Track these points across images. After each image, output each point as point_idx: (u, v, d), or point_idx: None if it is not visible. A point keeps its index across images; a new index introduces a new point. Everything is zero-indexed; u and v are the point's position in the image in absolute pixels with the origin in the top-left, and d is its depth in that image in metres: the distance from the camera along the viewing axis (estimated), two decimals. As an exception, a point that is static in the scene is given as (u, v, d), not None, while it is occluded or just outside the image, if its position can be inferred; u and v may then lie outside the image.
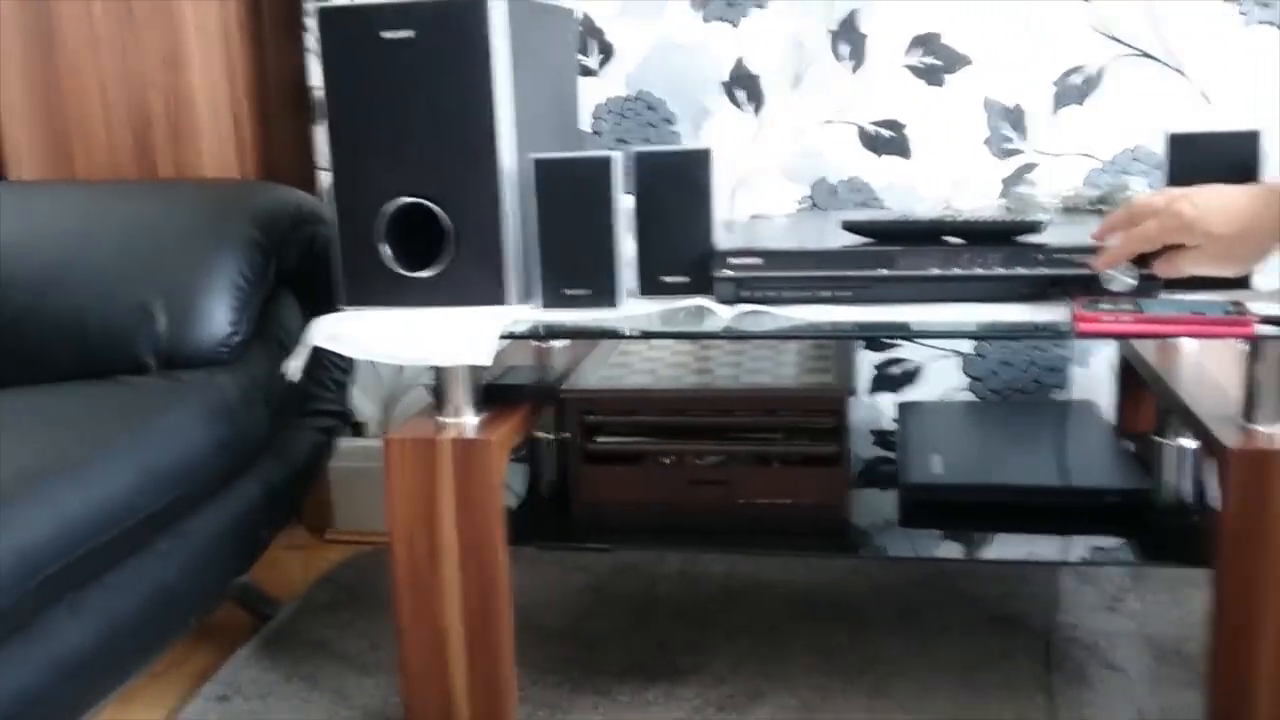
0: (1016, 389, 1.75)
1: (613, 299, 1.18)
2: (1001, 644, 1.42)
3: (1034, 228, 1.15)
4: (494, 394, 1.27)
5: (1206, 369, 1.29)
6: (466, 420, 1.22)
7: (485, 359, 1.13)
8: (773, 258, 1.16)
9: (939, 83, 1.65)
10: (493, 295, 1.21)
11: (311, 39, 1.82)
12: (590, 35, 1.73)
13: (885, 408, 1.78)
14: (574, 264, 1.19)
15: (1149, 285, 1.07)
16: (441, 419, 1.22)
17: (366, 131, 1.20)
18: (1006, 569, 1.61)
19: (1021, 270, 1.11)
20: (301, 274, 1.50)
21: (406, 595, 1.22)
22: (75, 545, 1.01)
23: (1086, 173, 1.64)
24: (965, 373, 1.75)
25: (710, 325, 1.14)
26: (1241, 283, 1.11)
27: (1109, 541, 1.28)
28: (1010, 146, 1.66)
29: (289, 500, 1.45)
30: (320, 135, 1.84)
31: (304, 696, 1.37)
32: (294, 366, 1.20)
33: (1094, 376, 1.71)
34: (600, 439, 1.40)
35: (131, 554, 1.13)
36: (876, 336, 1.68)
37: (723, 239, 1.21)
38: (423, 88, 1.17)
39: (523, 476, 1.53)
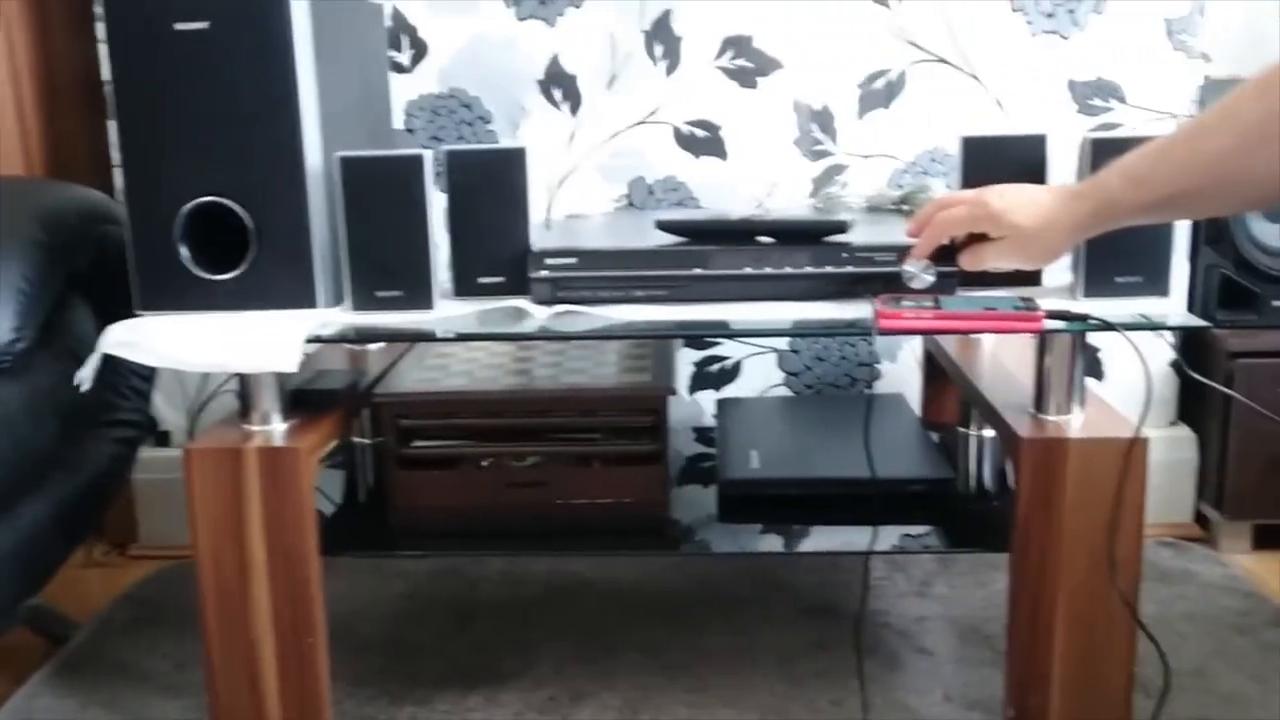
0: (830, 384, 1.80)
1: (427, 300, 1.16)
2: (817, 633, 1.46)
3: (840, 227, 1.19)
4: (303, 399, 1.22)
5: (1002, 362, 1.36)
6: (274, 428, 1.17)
7: (290, 365, 1.09)
8: (588, 257, 1.16)
9: (751, 85, 1.68)
10: (301, 298, 1.16)
11: (103, 29, 1.72)
12: (402, 31, 1.69)
13: (706, 405, 1.80)
14: (385, 265, 1.15)
15: (947, 282, 1.12)
16: (247, 426, 1.18)
17: (161, 128, 1.14)
18: (820, 560, 1.65)
19: (828, 269, 1.14)
20: (94, 277, 1.41)
21: (214, 611, 1.17)
22: None
23: (890, 174, 1.70)
24: (781, 369, 1.79)
25: (526, 326, 1.12)
26: (1033, 279, 1.16)
27: (917, 529, 1.32)
28: (820, 148, 1.70)
29: (84, 516, 1.36)
30: (113, 131, 1.74)
31: (103, 723, 1.30)
32: (86, 375, 1.13)
33: (902, 370, 1.78)
34: (416, 443, 1.37)
35: (-100, 582, 1.04)
36: (689, 335, 1.70)
37: (539, 239, 1.20)
38: (220, 82, 1.12)
39: (339, 483, 1.48)
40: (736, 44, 1.67)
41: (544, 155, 1.69)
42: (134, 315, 1.16)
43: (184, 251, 1.15)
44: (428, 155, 1.14)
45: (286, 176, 1.14)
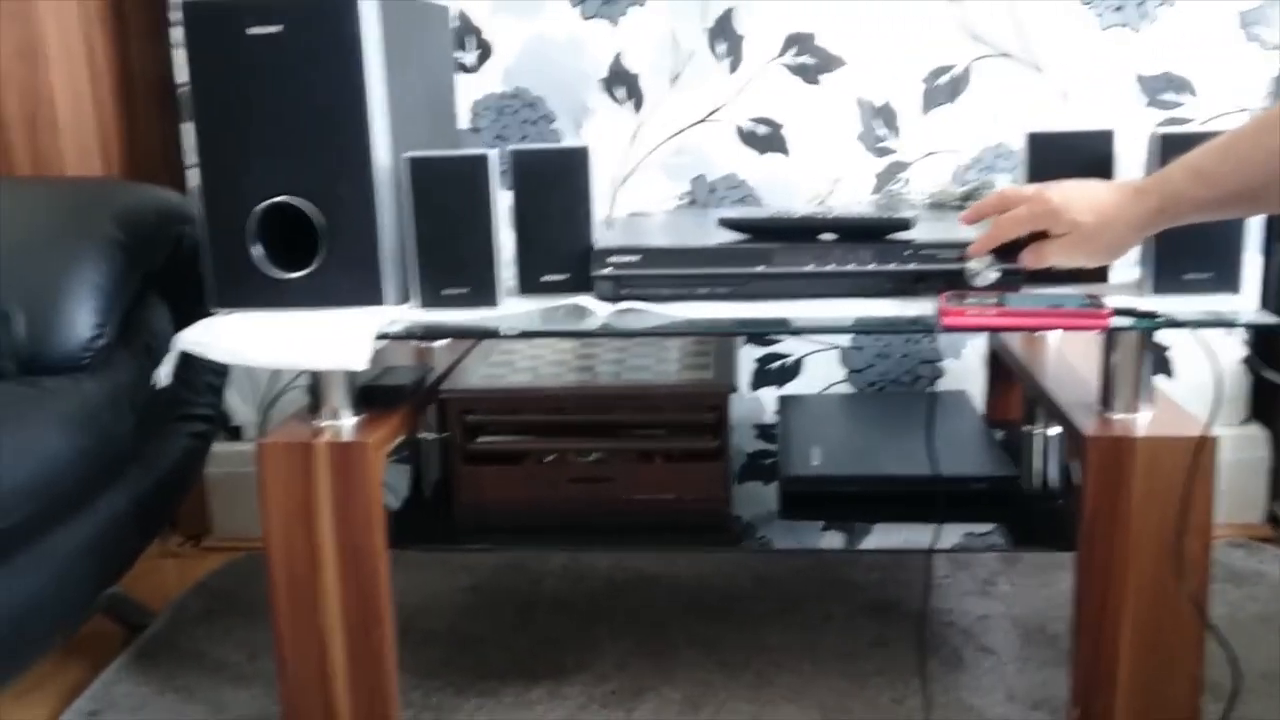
0: (893, 380, 1.79)
1: (492, 298, 1.17)
2: (879, 630, 1.46)
3: (903, 225, 1.18)
4: (371, 395, 1.25)
5: (1068, 359, 1.35)
6: (343, 423, 1.20)
7: (360, 363, 1.11)
8: (651, 255, 1.17)
9: (814, 81, 1.68)
10: (369, 296, 1.19)
11: (177, 34, 1.76)
12: (467, 32, 1.71)
13: (767, 402, 1.80)
14: (452, 263, 1.17)
15: (1012, 279, 1.11)
16: (317, 422, 1.20)
17: (236, 129, 1.17)
18: (882, 557, 1.65)
19: (891, 266, 1.14)
20: (170, 275, 1.45)
21: (285, 602, 1.20)
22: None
23: (953, 170, 1.69)
24: (843, 366, 1.79)
25: (589, 323, 1.14)
26: (1099, 276, 1.15)
27: (980, 528, 1.31)
28: (883, 145, 1.69)
29: (160, 509, 1.40)
30: (188, 132, 1.79)
31: (179, 709, 1.33)
32: (163, 373, 1.17)
33: (966, 367, 1.77)
34: (481, 439, 1.39)
35: (-10, 570, 1.08)
36: (751, 332, 1.70)
37: (602, 237, 1.21)
38: (293, 85, 1.15)
39: (405, 478, 1.51)
40: (799, 41, 1.67)
41: (607, 153, 1.71)
42: (208, 313, 1.19)
43: (257, 250, 1.18)
44: (493, 155, 1.15)
45: (356, 176, 1.16)
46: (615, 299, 1.17)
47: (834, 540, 1.32)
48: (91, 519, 1.23)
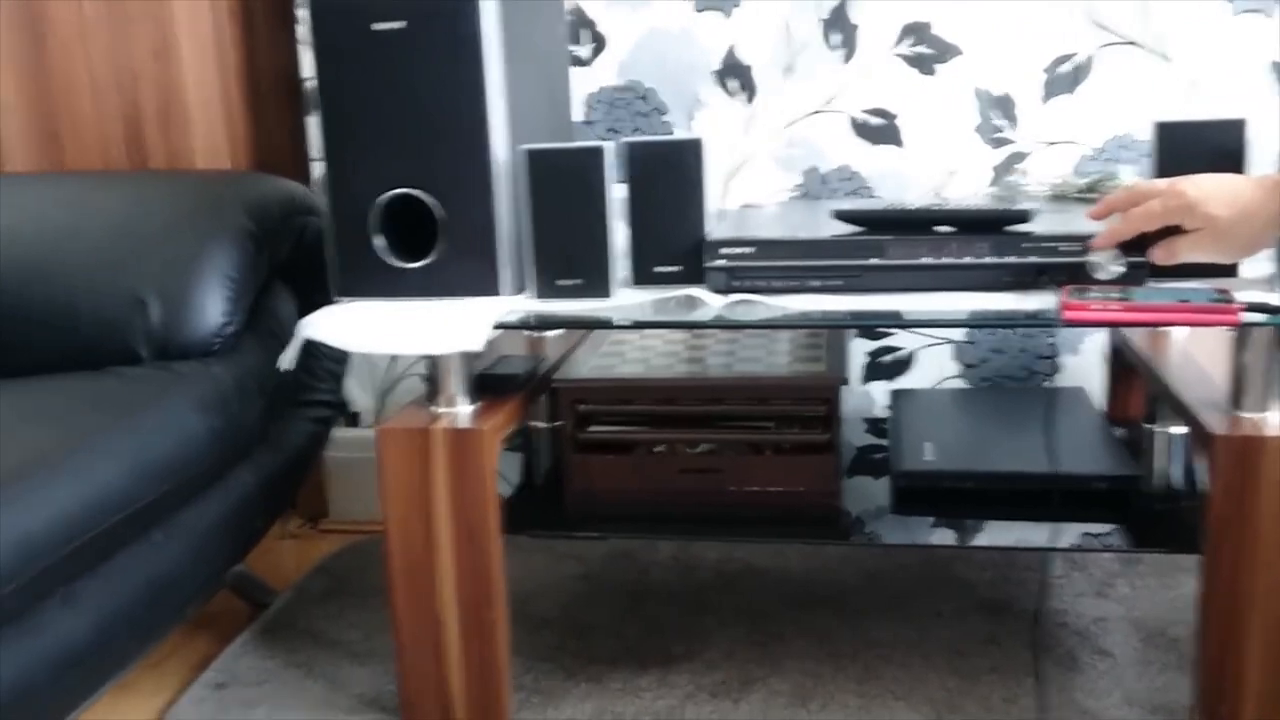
0: (1008, 376, 1.76)
1: (605, 289, 1.19)
2: (991, 629, 1.43)
3: (1023, 217, 1.16)
4: (487, 384, 1.27)
5: (1195, 356, 1.30)
6: (460, 410, 1.23)
7: (477, 344, 1.13)
8: (765, 247, 1.17)
9: (930, 71, 1.66)
10: (486, 286, 1.21)
11: (303, 30, 1.82)
12: (582, 25, 1.73)
13: (878, 395, 1.79)
14: (567, 254, 1.19)
15: (1137, 273, 1.08)
16: (435, 409, 1.23)
17: (359, 123, 1.20)
18: (996, 555, 1.62)
19: (1011, 259, 1.12)
20: (294, 264, 1.50)
21: (402, 584, 1.23)
22: (71, 537, 1.02)
23: (1076, 161, 1.65)
24: (957, 360, 1.76)
25: (702, 314, 1.14)
26: (1228, 271, 1.12)
27: (1099, 528, 1.28)
28: (1001, 135, 1.66)
29: (284, 490, 1.45)
30: (312, 126, 1.85)
31: (300, 684, 1.38)
32: (288, 357, 1.21)
33: (1085, 363, 1.72)
34: (592, 428, 1.40)
35: (126, 545, 1.13)
36: (866, 325, 1.69)
37: (715, 228, 1.21)
38: (415, 79, 1.18)
39: (517, 465, 1.54)
40: (915, 31, 1.65)
41: (718, 145, 1.71)
42: (331, 301, 1.22)
43: (379, 241, 1.21)
44: (608, 147, 1.17)
45: (475, 169, 1.19)
46: (728, 290, 1.17)
47: (946, 536, 1.31)
48: (221, 498, 1.28)
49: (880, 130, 1.69)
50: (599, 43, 1.73)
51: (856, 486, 1.41)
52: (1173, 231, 1.04)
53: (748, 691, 1.32)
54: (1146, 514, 1.31)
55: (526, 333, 1.56)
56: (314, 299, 1.56)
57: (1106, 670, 1.33)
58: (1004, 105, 1.65)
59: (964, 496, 1.35)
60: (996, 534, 1.31)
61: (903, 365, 1.78)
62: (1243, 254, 1.04)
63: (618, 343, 1.56)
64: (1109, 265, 1.08)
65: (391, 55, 1.18)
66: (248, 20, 1.80)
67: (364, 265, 1.22)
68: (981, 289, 1.13)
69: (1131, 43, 1.60)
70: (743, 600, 1.54)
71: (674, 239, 1.21)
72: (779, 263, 1.17)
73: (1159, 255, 1.05)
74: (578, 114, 1.74)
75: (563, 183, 1.18)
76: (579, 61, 1.74)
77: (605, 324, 1.16)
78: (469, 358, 1.23)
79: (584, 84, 1.74)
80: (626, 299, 1.19)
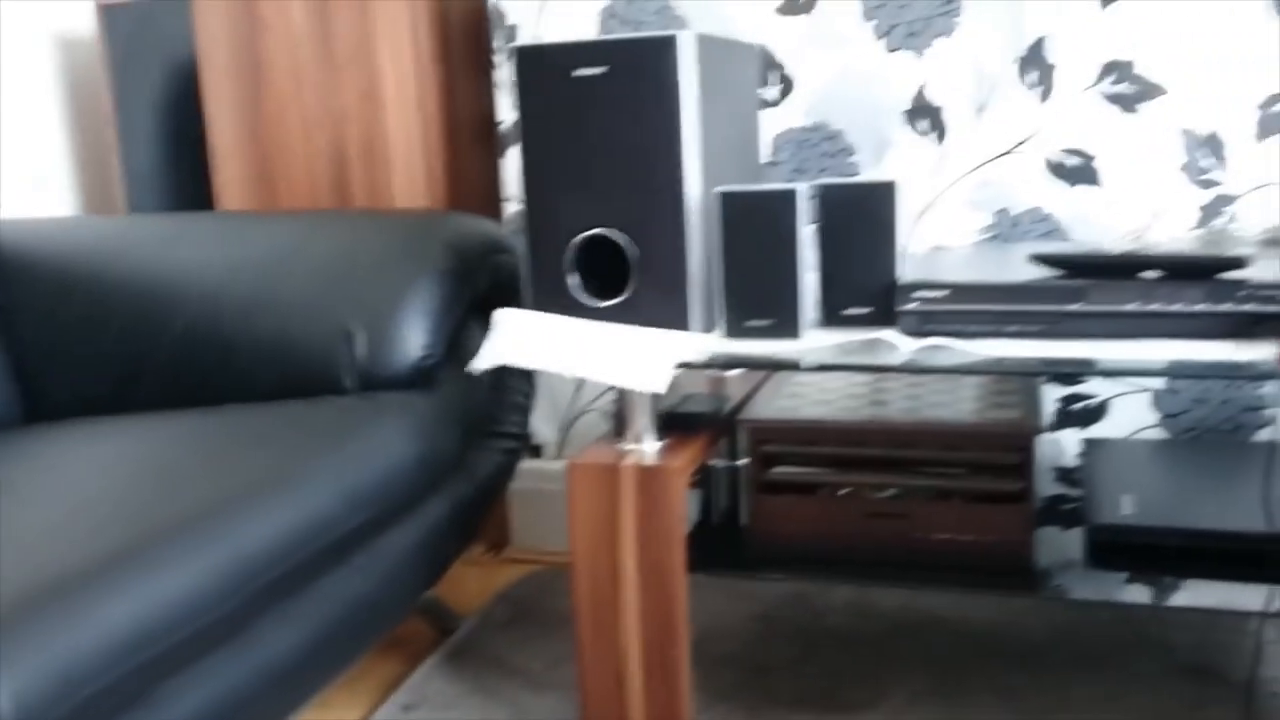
0: (1210, 429, 1.67)
1: (795, 330, 1.19)
2: (1195, 696, 1.36)
3: (1237, 264, 1.11)
4: (673, 421, 1.29)
5: None
6: (647, 447, 1.24)
7: (658, 386, 1.15)
8: (960, 291, 1.15)
9: (1131, 110, 1.60)
10: (676, 324, 1.23)
11: (500, 75, 1.89)
12: (770, 67, 1.74)
13: (1068, 444, 1.72)
14: (756, 295, 1.20)
15: (1365, 324, 1.02)
16: (622, 445, 1.25)
17: (557, 164, 1.24)
18: (1196, 618, 1.54)
19: (1224, 307, 1.07)
20: (490, 301, 1.55)
21: (587, 616, 1.25)
22: (284, 558, 1.08)
23: (1290, 204, 1.57)
24: (1155, 409, 1.69)
25: (894, 358, 1.13)
26: None
27: (1312, 591, 1.21)
28: (1207, 177, 1.59)
29: (474, 519, 1.50)
30: (506, 167, 1.91)
31: (485, 710, 1.41)
32: (483, 365, 1.23)
33: (1296, 417, 1.63)
34: (778, 468, 1.40)
35: (333, 567, 1.19)
36: (1067, 373, 1.63)
37: (904, 270, 1.20)
38: (612, 122, 1.21)
39: (695, 503, 1.54)
40: (1117, 69, 1.60)
41: (907, 186, 1.69)
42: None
43: (573, 279, 1.24)
44: (801, 189, 1.17)
45: (668, 210, 1.21)
46: (920, 334, 1.15)
47: (1143, 594, 1.25)
48: (418, 525, 1.33)
49: (1077, 170, 1.64)
50: (787, 85, 1.74)
51: (1046, 538, 1.36)
52: None
53: (932, 744, 1.29)
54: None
55: (710, 371, 1.57)
56: (506, 334, 1.61)
57: (1324, 746, 1.25)
58: (1212, 145, 1.59)
59: (1163, 554, 1.29)
60: (1199, 594, 1.25)
61: (1094, 413, 1.72)
62: None
63: (800, 384, 1.56)
64: (1334, 315, 1.02)
65: (590, 99, 1.22)
66: (447, 65, 1.88)
67: (558, 303, 1.26)
68: (1191, 337, 1.08)
69: (1355, 79, 1.52)
70: (923, 650, 1.51)
71: (864, 281, 1.20)
72: (975, 306, 1.14)
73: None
74: (764, 154, 1.75)
75: (755, 224, 1.18)
76: (766, 103, 1.75)
77: (794, 365, 1.16)
78: (657, 395, 1.25)
79: (772, 125, 1.75)
80: (815, 340, 1.19)
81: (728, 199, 1.19)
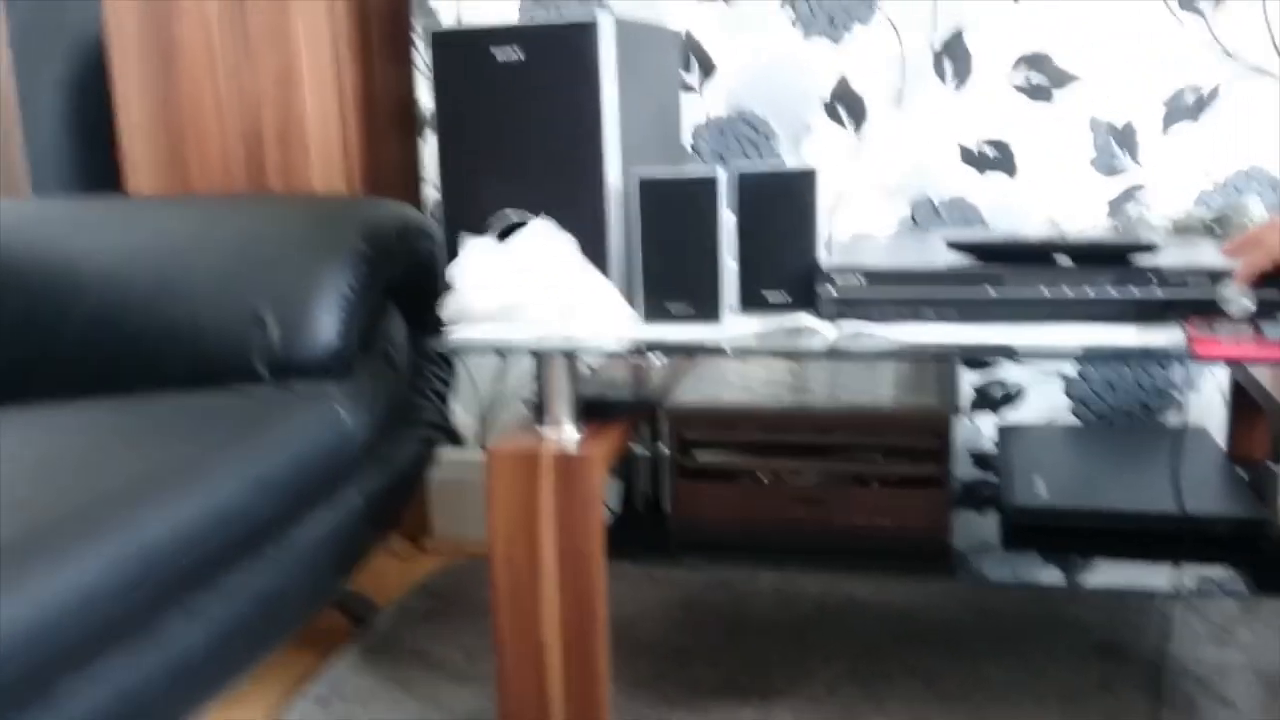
0: (1122, 413, 1.71)
1: (716, 315, 1.18)
2: (1107, 674, 1.39)
3: (1148, 249, 1.13)
4: (593, 409, 1.28)
5: (1327, 396, 1.25)
6: (567, 434, 1.23)
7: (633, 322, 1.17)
8: (878, 277, 1.15)
9: (1046, 99, 1.63)
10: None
11: (419, 58, 1.86)
12: (692, 52, 1.73)
13: (984, 429, 1.75)
14: (677, 280, 1.19)
15: (1268, 309, 1.04)
16: (542, 432, 1.24)
17: (475, 149, 1.22)
18: (1107, 598, 1.57)
19: (1135, 292, 1.09)
20: (407, 287, 1.52)
21: (506, 606, 1.23)
22: (191, 549, 1.04)
23: (1197, 194, 1.60)
24: (1068, 396, 1.72)
25: (817, 344, 1.13)
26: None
27: (1218, 572, 1.24)
28: (1118, 166, 1.62)
29: (392, 509, 1.47)
30: (425, 152, 1.88)
31: (401, 702, 1.39)
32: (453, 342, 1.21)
33: (1204, 402, 1.67)
34: (698, 455, 1.40)
35: (242, 559, 1.15)
36: (984, 357, 1.65)
37: (824, 257, 1.20)
38: (531, 107, 1.19)
39: (616, 491, 1.53)
40: (1032, 60, 1.62)
41: (826, 174, 1.69)
42: (441, 324, 1.23)
43: (492, 265, 1.22)
44: (721, 175, 1.16)
45: (588, 195, 1.20)
46: (839, 319, 1.15)
47: (1058, 576, 1.27)
48: (332, 515, 1.30)
49: (993, 161, 1.66)
50: (708, 70, 1.74)
51: (963, 521, 1.38)
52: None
53: (851, 728, 1.30)
54: (1270, 558, 1.26)
55: (631, 358, 1.56)
56: (426, 322, 1.58)
57: (1229, 721, 1.29)
58: (1123, 136, 1.62)
59: (1077, 536, 1.31)
60: (1111, 574, 1.27)
61: (1011, 399, 1.74)
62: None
63: (722, 370, 1.56)
64: (1240, 300, 1.04)
65: (509, 84, 1.20)
66: (366, 48, 1.85)
67: (476, 288, 1.23)
68: (1101, 322, 1.10)
69: (1262, 71, 1.55)
70: (845, 634, 1.52)
71: (785, 267, 1.20)
72: (893, 292, 1.15)
73: (1297, 290, 1.01)
74: (685, 140, 1.75)
75: (675, 210, 1.18)
76: (688, 89, 1.74)
77: (719, 351, 1.15)
78: (575, 382, 1.24)
79: (692, 111, 1.75)
80: (736, 326, 1.18)
81: (647, 185, 1.18)
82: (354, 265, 1.41)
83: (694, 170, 1.19)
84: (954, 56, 1.64)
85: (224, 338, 1.36)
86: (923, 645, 1.48)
